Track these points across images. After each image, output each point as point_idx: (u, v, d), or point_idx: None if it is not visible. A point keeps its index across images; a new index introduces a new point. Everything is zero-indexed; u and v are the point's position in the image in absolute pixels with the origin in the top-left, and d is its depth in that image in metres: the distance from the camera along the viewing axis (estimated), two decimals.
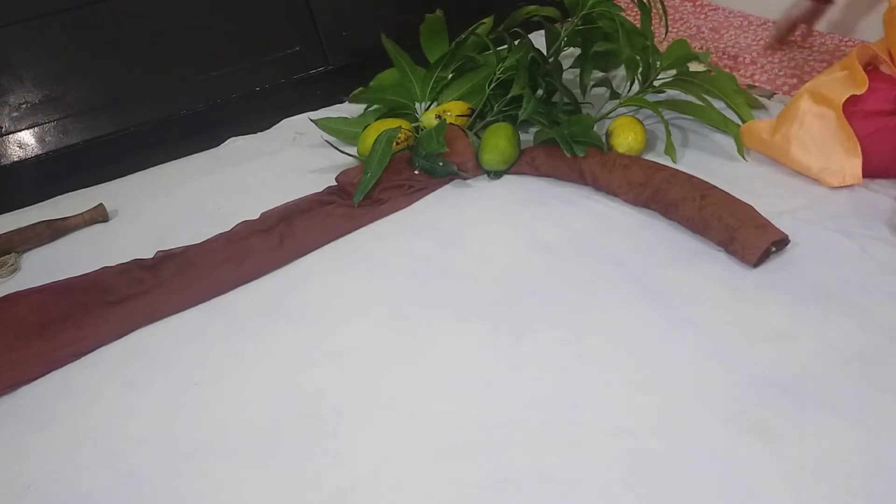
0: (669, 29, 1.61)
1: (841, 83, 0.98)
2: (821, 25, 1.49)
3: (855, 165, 0.95)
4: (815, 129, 0.98)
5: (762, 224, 0.88)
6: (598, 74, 1.35)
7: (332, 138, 1.31)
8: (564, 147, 1.06)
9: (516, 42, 1.21)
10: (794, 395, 0.71)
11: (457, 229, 1.05)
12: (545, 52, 1.25)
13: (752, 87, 1.28)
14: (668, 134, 1.11)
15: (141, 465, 0.76)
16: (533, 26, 1.29)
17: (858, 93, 0.94)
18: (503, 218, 1.07)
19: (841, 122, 0.96)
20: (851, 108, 0.95)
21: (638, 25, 1.22)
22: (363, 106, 1.37)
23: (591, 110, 1.28)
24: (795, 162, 1.01)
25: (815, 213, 0.94)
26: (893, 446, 0.65)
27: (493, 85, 1.22)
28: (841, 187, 0.98)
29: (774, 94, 1.26)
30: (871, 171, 0.96)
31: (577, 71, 1.30)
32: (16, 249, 1.15)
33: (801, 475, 0.64)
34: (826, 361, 0.74)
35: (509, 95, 1.18)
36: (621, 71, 1.34)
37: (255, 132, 1.45)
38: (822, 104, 0.98)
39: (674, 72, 1.20)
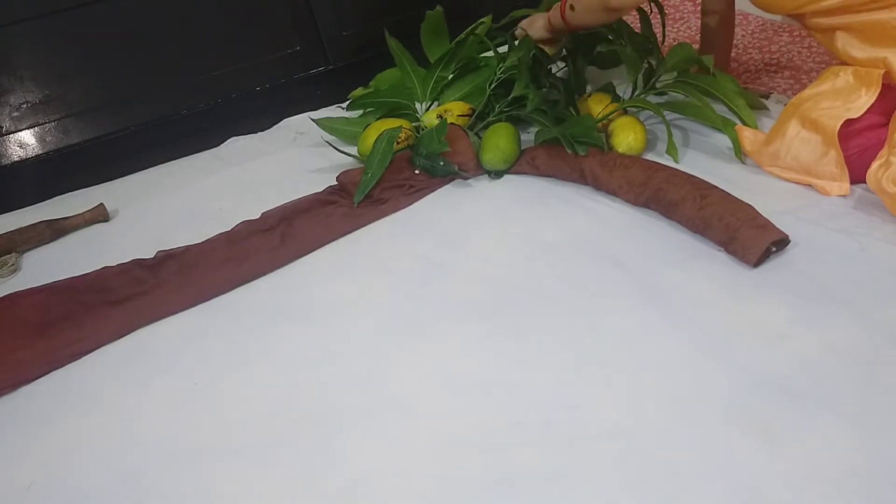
0: (670, 28, 1.61)
1: (831, 99, 0.96)
2: None
3: (843, 188, 0.96)
4: (802, 154, 0.99)
5: (762, 224, 0.88)
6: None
7: (332, 138, 1.31)
8: (566, 145, 1.06)
9: (516, 42, 1.21)
10: (794, 395, 0.71)
11: (457, 229, 1.05)
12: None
13: (745, 87, 1.28)
14: (670, 134, 1.11)
15: (141, 466, 0.76)
16: None
17: (853, 116, 0.93)
18: (504, 218, 1.07)
19: (836, 151, 0.95)
20: (844, 129, 0.94)
21: (637, 29, 1.23)
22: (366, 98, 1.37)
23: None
24: (783, 176, 1.02)
25: (815, 213, 0.94)
26: (893, 446, 0.65)
27: (493, 85, 1.22)
28: None
29: (770, 94, 1.26)
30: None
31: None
32: (16, 249, 1.15)
33: (802, 475, 0.64)
34: (826, 361, 0.74)
35: (511, 96, 1.19)
36: (623, 71, 1.34)
37: (255, 132, 1.45)
38: (810, 129, 0.98)
39: (675, 73, 1.20)
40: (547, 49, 1.23)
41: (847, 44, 0.97)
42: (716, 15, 1.26)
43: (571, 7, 1.13)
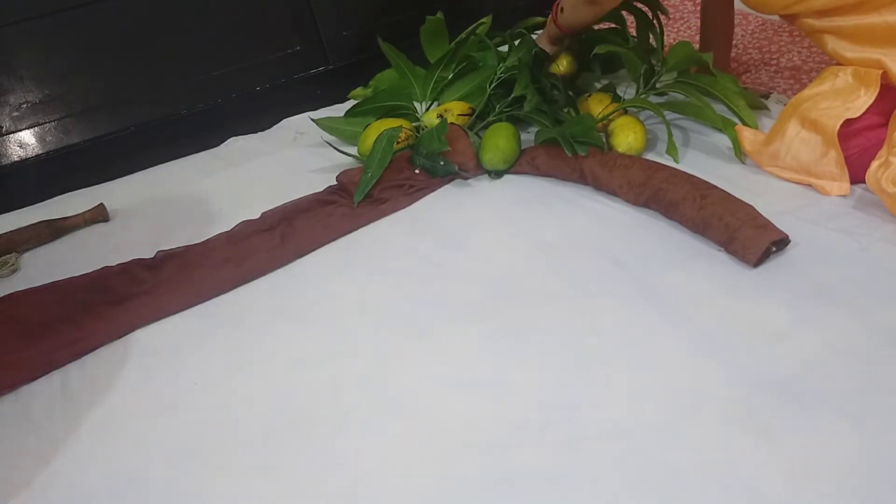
0: (670, 28, 1.61)
1: (831, 99, 0.97)
2: None
3: (843, 188, 0.96)
4: (802, 154, 0.99)
5: (762, 224, 0.88)
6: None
7: (332, 138, 1.31)
8: (566, 146, 1.06)
9: (516, 42, 1.21)
10: (794, 395, 0.71)
11: (457, 229, 1.05)
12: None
13: (745, 87, 1.28)
14: (670, 134, 1.11)
15: (141, 465, 0.76)
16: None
17: (852, 116, 0.93)
18: (504, 218, 1.07)
19: (836, 151, 0.95)
20: (844, 129, 0.94)
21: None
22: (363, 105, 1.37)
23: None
24: (783, 176, 1.02)
25: (815, 213, 0.94)
26: (893, 446, 0.65)
27: (493, 84, 1.22)
28: None
29: (770, 94, 1.26)
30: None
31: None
32: (16, 249, 1.15)
33: (802, 475, 0.64)
34: (826, 361, 0.74)
35: (511, 96, 1.19)
36: (623, 71, 1.34)
37: (255, 132, 1.45)
38: (810, 129, 0.98)
39: (675, 73, 1.20)
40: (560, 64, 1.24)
41: (837, 46, 0.97)
42: (715, 15, 1.26)
43: (561, 10, 1.14)
